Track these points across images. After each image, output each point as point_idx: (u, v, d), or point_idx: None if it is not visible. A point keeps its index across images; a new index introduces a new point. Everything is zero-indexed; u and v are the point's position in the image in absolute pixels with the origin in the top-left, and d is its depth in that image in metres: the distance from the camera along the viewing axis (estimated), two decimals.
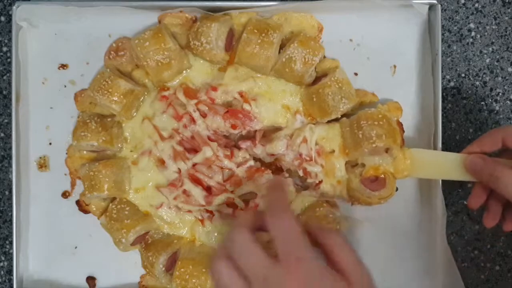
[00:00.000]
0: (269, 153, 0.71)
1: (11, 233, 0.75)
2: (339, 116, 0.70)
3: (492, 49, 0.77)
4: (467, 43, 0.77)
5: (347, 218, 0.73)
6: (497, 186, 0.62)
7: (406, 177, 0.69)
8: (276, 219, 0.52)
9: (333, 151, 0.70)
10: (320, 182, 0.70)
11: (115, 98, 0.70)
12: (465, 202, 0.77)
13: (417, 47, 0.74)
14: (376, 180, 0.68)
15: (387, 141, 0.67)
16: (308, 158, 0.69)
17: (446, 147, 0.76)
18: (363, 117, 0.68)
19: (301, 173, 0.71)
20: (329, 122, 0.71)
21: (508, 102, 0.78)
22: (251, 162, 0.71)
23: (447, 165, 0.67)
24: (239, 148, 0.72)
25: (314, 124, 0.71)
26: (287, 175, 0.72)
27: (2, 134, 0.78)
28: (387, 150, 0.68)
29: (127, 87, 0.70)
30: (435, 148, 0.71)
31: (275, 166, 0.73)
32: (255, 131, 0.72)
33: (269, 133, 0.72)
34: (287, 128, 0.71)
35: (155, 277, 0.71)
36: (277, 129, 0.72)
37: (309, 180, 0.71)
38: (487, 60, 0.77)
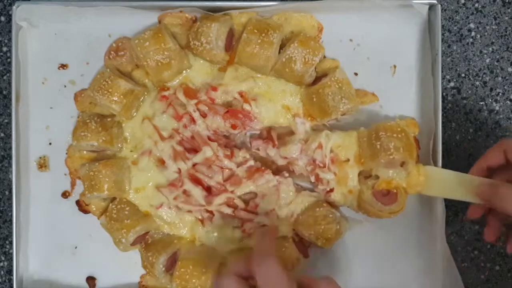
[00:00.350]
0: (282, 156, 0.71)
1: (11, 233, 0.75)
2: (339, 117, 0.70)
3: (492, 49, 0.77)
4: (467, 43, 0.77)
5: (347, 218, 0.73)
6: (502, 205, 0.62)
7: (417, 193, 0.69)
8: (261, 267, 0.53)
9: (348, 160, 0.69)
10: (331, 190, 0.70)
11: (115, 98, 0.70)
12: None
13: (417, 47, 0.74)
14: (388, 194, 0.68)
15: (404, 154, 0.67)
16: (321, 165, 0.69)
17: (446, 147, 0.76)
18: (382, 128, 0.68)
19: (313, 179, 0.70)
20: (346, 130, 0.71)
21: (508, 102, 0.78)
22: (251, 162, 0.71)
23: (460, 187, 0.66)
24: (239, 148, 0.72)
25: (330, 131, 0.70)
26: (287, 174, 0.72)
27: (2, 134, 0.78)
28: (402, 164, 0.68)
29: (127, 87, 0.70)
30: (435, 148, 0.71)
31: (275, 167, 0.73)
32: (269, 131, 0.72)
33: (283, 136, 0.73)
34: (302, 132, 0.71)
35: (155, 277, 0.71)
36: (291, 132, 0.72)
37: (320, 187, 0.70)
38: (487, 60, 0.77)
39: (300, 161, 0.71)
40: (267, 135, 0.72)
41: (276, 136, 0.72)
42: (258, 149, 0.72)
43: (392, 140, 0.67)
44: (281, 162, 0.71)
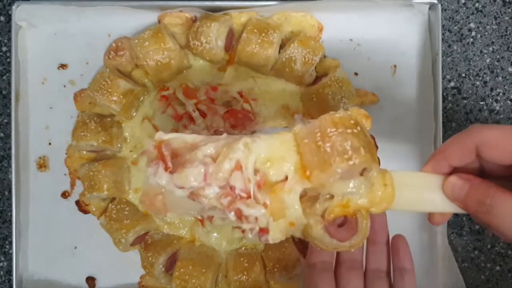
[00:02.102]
0: (178, 186, 0.45)
1: (10, 233, 0.75)
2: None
3: (493, 49, 0.77)
4: (468, 43, 0.77)
5: None
6: (490, 218, 0.45)
7: (383, 211, 0.48)
8: None
9: (285, 178, 0.46)
10: (265, 230, 0.47)
11: (115, 98, 0.70)
12: None
13: (417, 47, 0.73)
14: (345, 223, 0.48)
15: (366, 156, 0.44)
16: (244, 195, 0.45)
17: None
18: (329, 122, 0.45)
19: (232, 216, 0.46)
20: (276, 133, 0.47)
21: (509, 102, 0.77)
22: None
23: (441, 194, 0.48)
24: None
25: (250, 139, 0.46)
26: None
27: (2, 134, 0.78)
28: (362, 173, 0.47)
29: (126, 87, 0.70)
30: (435, 149, 0.71)
31: None
32: (159, 147, 0.47)
33: (183, 152, 0.47)
34: (211, 143, 0.46)
35: (154, 277, 0.71)
36: (193, 145, 0.47)
37: (245, 225, 0.47)
38: (488, 60, 0.77)
39: (208, 190, 0.46)
40: (158, 152, 0.47)
41: (171, 153, 0.47)
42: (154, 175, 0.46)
43: (347, 137, 0.44)
44: (179, 193, 0.46)
